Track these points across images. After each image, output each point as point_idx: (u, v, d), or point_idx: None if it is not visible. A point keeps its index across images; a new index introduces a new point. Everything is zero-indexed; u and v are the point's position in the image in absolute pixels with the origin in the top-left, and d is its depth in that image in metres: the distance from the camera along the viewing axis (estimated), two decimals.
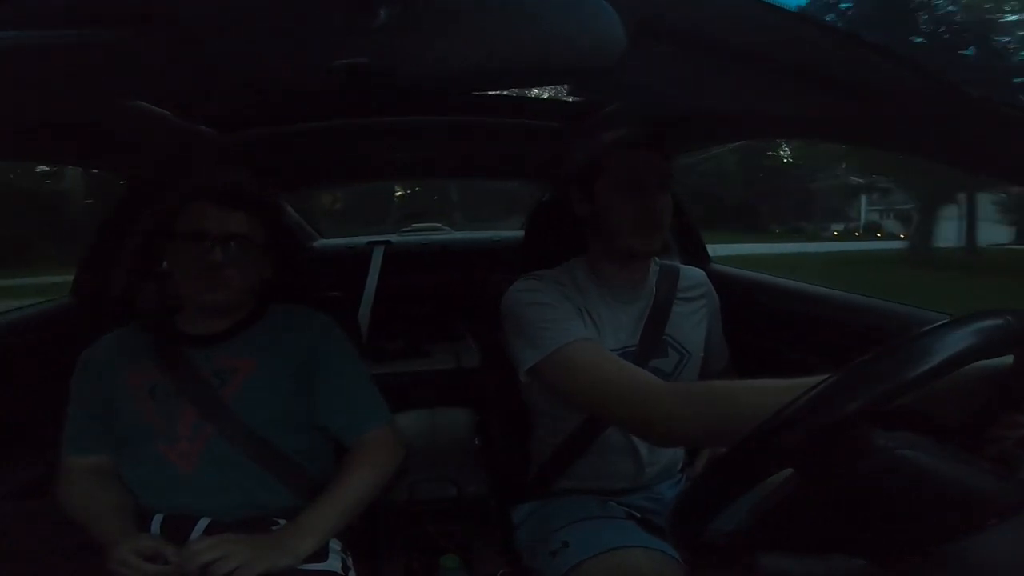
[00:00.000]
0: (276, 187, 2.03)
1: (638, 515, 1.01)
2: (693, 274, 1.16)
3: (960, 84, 0.65)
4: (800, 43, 0.70)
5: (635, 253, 1.01)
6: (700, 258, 1.70)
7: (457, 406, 1.72)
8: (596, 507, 1.00)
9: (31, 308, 1.44)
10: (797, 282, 1.48)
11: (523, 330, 0.95)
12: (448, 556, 1.23)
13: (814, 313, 1.30)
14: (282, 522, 0.94)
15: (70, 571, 0.83)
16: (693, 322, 1.11)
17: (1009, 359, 0.57)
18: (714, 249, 1.80)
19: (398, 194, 5.74)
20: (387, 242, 2.40)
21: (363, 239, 2.50)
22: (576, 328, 0.93)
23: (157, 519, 0.93)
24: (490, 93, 1.44)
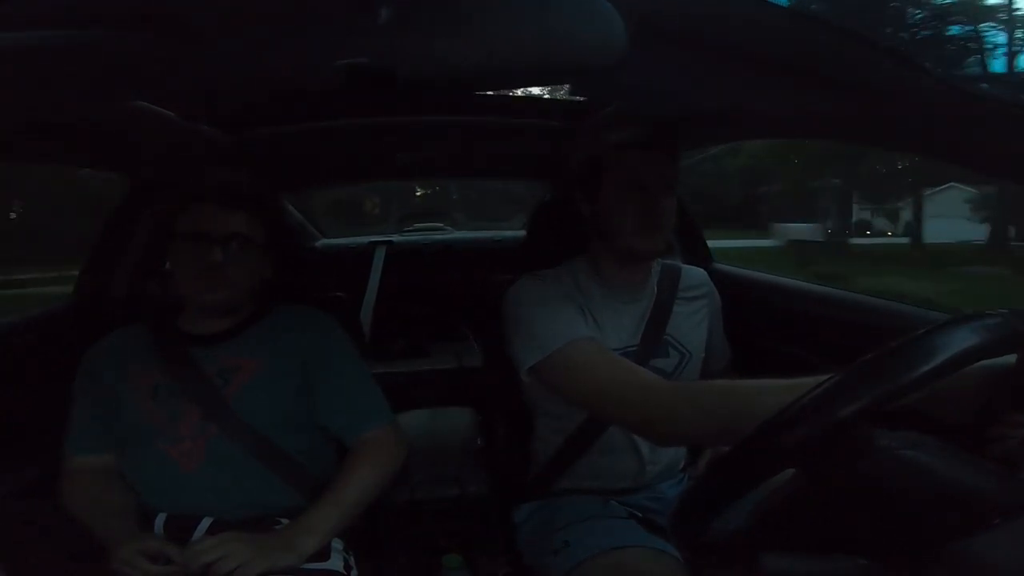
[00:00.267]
0: (277, 187, 2.04)
1: (640, 515, 1.01)
2: (695, 274, 1.16)
3: (960, 83, 0.65)
4: (800, 42, 0.69)
5: (637, 254, 1.01)
6: (702, 258, 1.70)
7: (459, 406, 1.72)
8: (598, 507, 1.00)
9: (34, 309, 1.44)
10: (799, 281, 1.48)
11: (524, 329, 0.95)
12: (450, 556, 1.23)
13: (816, 313, 1.30)
14: (284, 521, 0.94)
15: (73, 571, 0.84)
16: (694, 322, 1.11)
17: (1012, 358, 0.57)
18: (716, 244, 1.81)
19: (419, 194, 5.89)
20: (389, 242, 2.41)
21: (365, 239, 2.50)
22: (577, 327, 0.93)
23: (160, 519, 0.93)
24: (490, 93, 1.44)
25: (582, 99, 1.42)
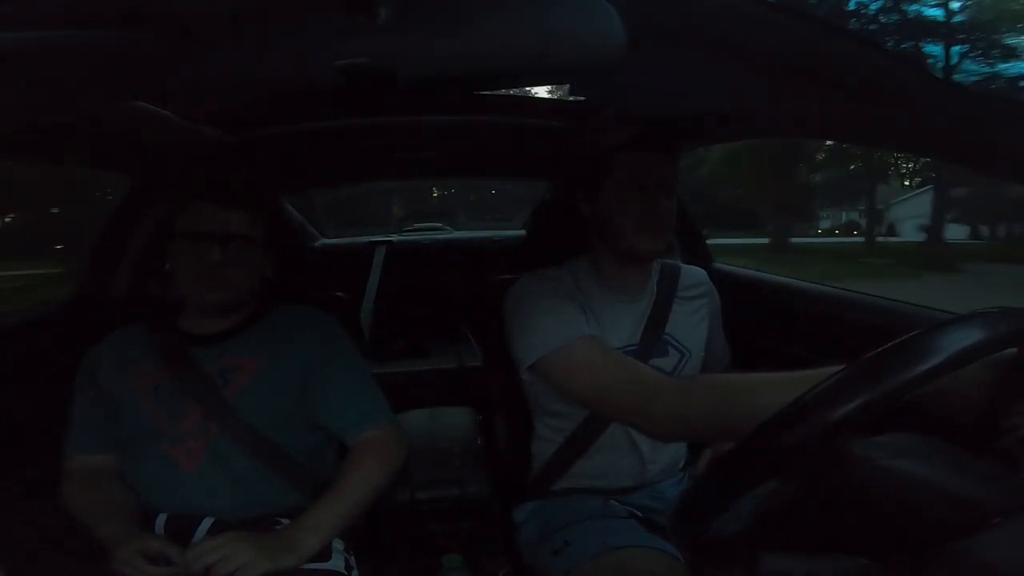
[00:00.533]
0: (277, 187, 2.04)
1: (640, 514, 1.01)
2: (694, 273, 1.16)
3: (959, 81, 0.65)
4: (801, 42, 0.69)
5: (638, 255, 1.01)
6: (702, 257, 1.70)
7: (459, 406, 1.72)
8: (598, 506, 1.00)
9: (35, 308, 1.44)
10: (799, 281, 1.48)
11: (525, 327, 0.95)
12: (450, 555, 1.23)
13: (816, 312, 1.30)
14: (285, 521, 0.94)
15: (73, 572, 0.83)
16: (694, 321, 1.11)
17: (1014, 350, 0.56)
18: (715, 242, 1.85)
19: (435, 195, 6.01)
20: (389, 242, 2.41)
21: (365, 239, 2.50)
22: (579, 326, 0.93)
23: (160, 519, 0.93)
24: (491, 93, 1.44)
25: (582, 99, 1.42)
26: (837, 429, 0.45)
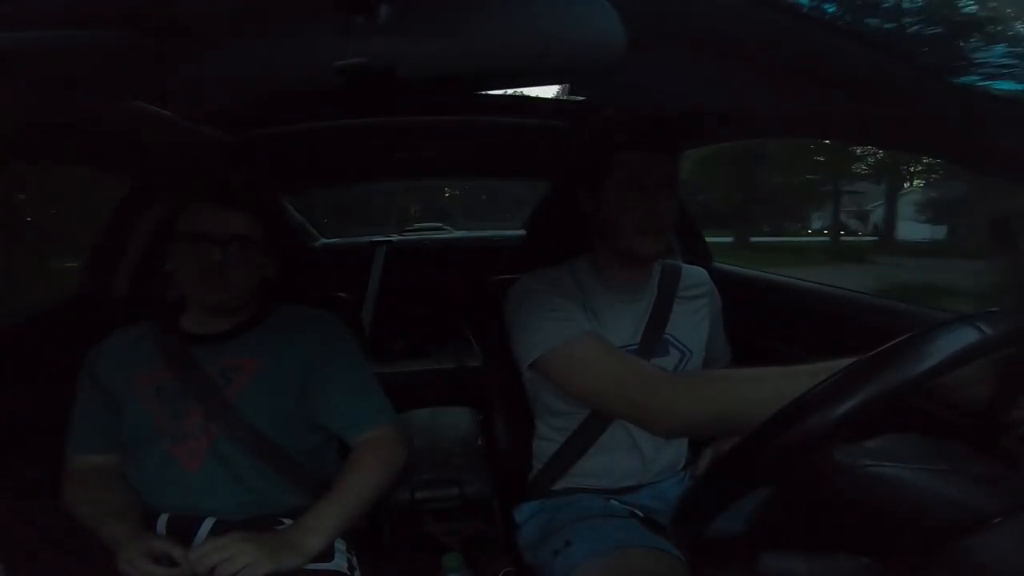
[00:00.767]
0: (277, 187, 2.04)
1: (641, 514, 1.01)
2: (695, 273, 1.16)
3: (959, 81, 0.65)
4: (801, 41, 0.69)
5: (638, 255, 1.01)
6: (702, 257, 1.70)
7: (459, 406, 1.72)
8: (599, 506, 1.00)
9: (36, 307, 1.44)
10: (800, 280, 1.48)
11: (526, 326, 0.95)
12: (451, 555, 1.23)
13: (816, 311, 1.30)
14: (286, 521, 0.94)
15: (74, 572, 0.83)
16: (694, 321, 1.11)
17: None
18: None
19: (447, 195, 6.02)
20: (389, 242, 2.41)
21: (365, 239, 2.50)
22: (580, 324, 0.93)
23: (162, 519, 0.93)
24: (490, 93, 1.44)
25: (582, 99, 1.42)
26: (838, 428, 0.45)
